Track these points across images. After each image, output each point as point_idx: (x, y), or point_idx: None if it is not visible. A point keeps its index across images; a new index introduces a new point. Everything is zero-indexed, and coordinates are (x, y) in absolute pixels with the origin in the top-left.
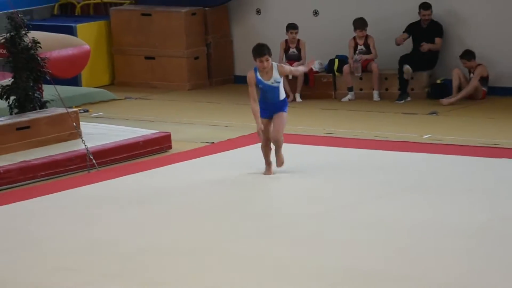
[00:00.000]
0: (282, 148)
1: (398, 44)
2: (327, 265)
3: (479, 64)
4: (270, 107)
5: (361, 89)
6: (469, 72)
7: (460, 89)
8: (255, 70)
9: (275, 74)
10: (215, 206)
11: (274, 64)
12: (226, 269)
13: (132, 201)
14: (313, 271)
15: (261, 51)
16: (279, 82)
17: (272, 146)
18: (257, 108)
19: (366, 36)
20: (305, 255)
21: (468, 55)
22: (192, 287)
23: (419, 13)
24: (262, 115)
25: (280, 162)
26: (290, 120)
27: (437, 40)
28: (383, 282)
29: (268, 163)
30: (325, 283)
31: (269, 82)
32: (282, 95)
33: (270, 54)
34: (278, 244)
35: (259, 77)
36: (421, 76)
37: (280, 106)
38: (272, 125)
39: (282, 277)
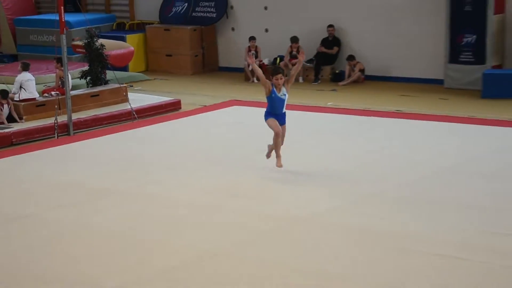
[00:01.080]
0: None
1: (318, 51)
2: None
3: (358, 62)
4: (276, 116)
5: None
6: (353, 67)
7: (349, 76)
8: (272, 85)
9: (283, 89)
10: (205, 139)
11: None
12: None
13: (160, 139)
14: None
15: (277, 71)
16: (285, 95)
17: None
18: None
19: (298, 46)
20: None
21: (351, 57)
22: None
23: (327, 30)
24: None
25: (280, 164)
26: (252, 94)
27: (334, 48)
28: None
29: (278, 156)
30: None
31: (279, 95)
32: (284, 108)
33: (283, 74)
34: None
35: (274, 89)
36: (327, 69)
37: (282, 118)
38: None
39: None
